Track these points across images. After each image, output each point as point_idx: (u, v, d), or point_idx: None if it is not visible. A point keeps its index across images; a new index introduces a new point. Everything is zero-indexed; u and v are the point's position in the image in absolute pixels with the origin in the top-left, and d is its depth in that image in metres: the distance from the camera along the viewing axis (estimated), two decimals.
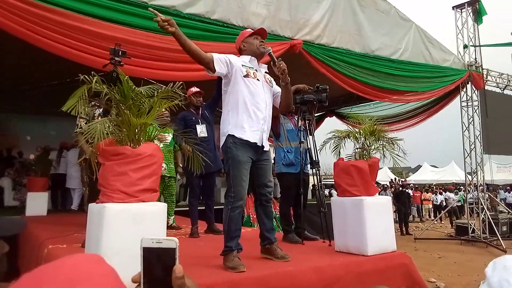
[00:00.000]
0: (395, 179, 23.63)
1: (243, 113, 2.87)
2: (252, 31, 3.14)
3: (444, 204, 18.92)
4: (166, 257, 0.67)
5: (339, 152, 3.58)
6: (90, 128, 2.20)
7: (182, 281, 0.65)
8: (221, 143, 2.94)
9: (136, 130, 2.27)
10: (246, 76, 2.92)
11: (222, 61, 2.86)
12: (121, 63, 3.52)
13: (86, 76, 2.30)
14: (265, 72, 3.13)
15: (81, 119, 4.19)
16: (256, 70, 3.01)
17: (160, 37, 5.16)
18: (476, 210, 10.65)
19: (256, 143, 2.87)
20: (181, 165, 5.31)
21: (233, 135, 2.84)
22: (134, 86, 2.33)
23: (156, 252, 0.67)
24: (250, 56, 3.05)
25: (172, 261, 0.67)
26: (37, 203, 6.60)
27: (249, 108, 2.87)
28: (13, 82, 9.32)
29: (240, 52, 3.15)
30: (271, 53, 3.01)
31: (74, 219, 5.20)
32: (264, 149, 2.98)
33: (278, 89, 3.16)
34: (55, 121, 10.42)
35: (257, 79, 2.97)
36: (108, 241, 2.02)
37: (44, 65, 7.47)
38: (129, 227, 2.09)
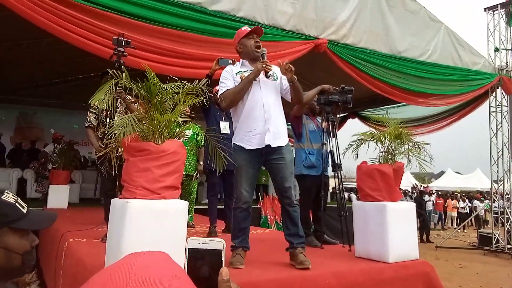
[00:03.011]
0: (416, 184, 23.22)
1: (242, 119, 2.93)
2: (247, 30, 3.03)
3: (468, 212, 18.45)
4: (212, 258, 0.65)
5: (357, 153, 3.52)
6: (116, 123, 2.20)
7: (228, 284, 0.63)
8: None
9: (161, 127, 2.27)
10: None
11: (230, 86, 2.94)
12: (125, 54, 3.50)
13: (114, 70, 2.30)
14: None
15: (90, 113, 4.23)
16: (250, 71, 2.94)
17: (182, 34, 5.18)
18: (501, 219, 10.32)
19: (255, 148, 2.88)
20: (201, 163, 5.28)
21: (236, 144, 2.95)
22: (159, 83, 2.32)
23: (202, 253, 0.65)
24: (242, 60, 3.07)
25: (218, 263, 0.65)
26: (59, 195, 6.71)
27: (246, 112, 2.91)
28: (43, 76, 9.56)
29: (238, 53, 3.13)
30: (264, 55, 2.93)
31: (93, 213, 5.27)
32: (273, 146, 2.86)
33: (286, 84, 3.05)
34: (79, 115, 10.62)
35: (260, 78, 2.93)
36: (130, 237, 2.02)
37: (71, 60, 7.64)
38: (150, 224, 2.09)
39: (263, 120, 2.87)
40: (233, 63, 4.17)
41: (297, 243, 2.88)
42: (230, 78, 2.96)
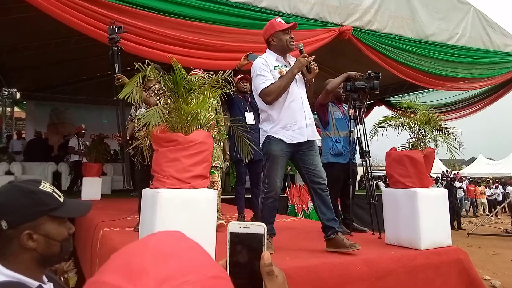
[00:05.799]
0: (447, 171, 22.68)
1: (282, 113, 2.92)
2: (282, 22, 3.01)
3: (501, 198, 17.88)
4: (254, 243, 0.64)
5: (377, 136, 3.50)
6: (145, 115, 2.26)
7: (271, 268, 0.63)
8: (261, 141, 3.03)
9: (188, 118, 2.30)
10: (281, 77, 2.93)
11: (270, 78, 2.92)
12: (118, 39, 3.66)
13: (140, 64, 2.35)
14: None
15: (132, 107, 4.32)
16: (285, 66, 3.00)
17: (205, 26, 5.21)
18: None
19: (297, 142, 2.92)
20: (228, 153, 5.31)
21: (273, 136, 2.93)
22: (186, 74, 2.35)
23: (243, 237, 0.64)
24: (275, 54, 3.02)
25: (259, 247, 0.64)
26: (92, 187, 6.94)
27: (286, 106, 2.91)
28: (72, 74, 9.85)
29: (267, 44, 3.08)
30: (303, 49, 2.98)
31: (125, 204, 5.42)
32: (310, 140, 2.97)
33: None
34: (108, 110, 10.92)
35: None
36: (161, 225, 2.07)
37: (98, 57, 7.81)
38: (181, 212, 2.14)
39: (302, 114, 2.93)
40: None
41: (338, 228, 2.93)
42: (268, 71, 2.93)
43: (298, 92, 2.96)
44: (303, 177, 3.07)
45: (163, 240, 0.52)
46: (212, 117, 3.97)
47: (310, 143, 2.99)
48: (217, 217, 3.63)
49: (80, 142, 8.78)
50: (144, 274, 0.45)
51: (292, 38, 3.00)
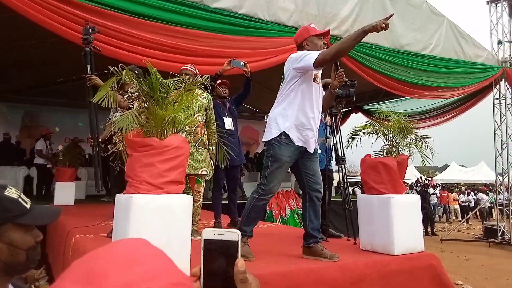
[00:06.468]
0: (421, 178, 23.17)
1: (303, 117, 2.90)
2: (316, 28, 3.03)
3: (473, 205, 18.38)
4: (228, 250, 0.64)
5: (354, 144, 3.56)
6: (119, 119, 2.22)
7: (245, 275, 0.63)
8: (268, 135, 2.94)
9: (163, 122, 2.28)
10: (314, 79, 2.94)
11: None
12: (91, 39, 3.67)
13: (115, 67, 2.32)
14: None
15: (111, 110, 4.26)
16: (317, 73, 3.01)
17: (185, 31, 5.20)
18: (506, 212, 10.29)
19: (305, 148, 2.93)
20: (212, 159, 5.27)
21: (287, 134, 2.86)
22: (161, 79, 2.33)
23: (217, 244, 0.64)
24: None
25: (233, 254, 0.64)
26: (65, 192, 6.75)
27: (309, 113, 2.91)
28: (47, 76, 9.62)
29: (300, 48, 3.03)
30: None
31: (99, 209, 5.30)
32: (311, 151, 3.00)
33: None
34: (83, 114, 10.69)
35: (318, 83, 3.01)
36: (134, 231, 2.03)
37: (74, 59, 7.65)
38: (155, 218, 2.10)
39: (316, 125, 2.98)
40: (245, 65, 4.25)
41: (319, 238, 2.97)
42: None
43: (320, 102, 3.01)
44: (301, 182, 3.06)
45: (128, 247, 0.52)
46: (199, 117, 3.83)
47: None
48: (193, 230, 3.18)
49: (48, 146, 8.52)
50: (105, 281, 0.45)
51: (325, 44, 2.99)
